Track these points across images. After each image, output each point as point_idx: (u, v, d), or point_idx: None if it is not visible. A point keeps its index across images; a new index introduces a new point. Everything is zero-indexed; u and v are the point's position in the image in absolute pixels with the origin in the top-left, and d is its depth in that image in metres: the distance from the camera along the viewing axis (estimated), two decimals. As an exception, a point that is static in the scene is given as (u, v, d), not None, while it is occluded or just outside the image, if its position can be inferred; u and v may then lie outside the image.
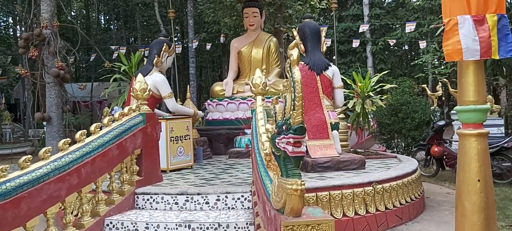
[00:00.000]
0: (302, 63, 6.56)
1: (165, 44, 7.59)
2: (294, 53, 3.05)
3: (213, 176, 6.07)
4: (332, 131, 6.45)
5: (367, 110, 7.71)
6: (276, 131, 3.14)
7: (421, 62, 19.14)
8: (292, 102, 2.97)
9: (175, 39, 28.45)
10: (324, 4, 12.28)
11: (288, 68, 3.13)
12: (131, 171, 5.25)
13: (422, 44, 17.69)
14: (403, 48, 29.07)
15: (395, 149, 11.25)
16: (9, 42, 26.68)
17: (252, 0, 9.87)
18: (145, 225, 4.44)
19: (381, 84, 7.92)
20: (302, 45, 6.71)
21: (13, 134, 18.64)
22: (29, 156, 4.10)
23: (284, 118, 3.10)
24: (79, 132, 4.64)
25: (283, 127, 3.00)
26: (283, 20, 11.24)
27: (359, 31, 19.33)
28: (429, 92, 16.48)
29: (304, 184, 2.97)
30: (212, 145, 8.83)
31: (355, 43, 18.63)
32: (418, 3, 20.42)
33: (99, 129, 4.83)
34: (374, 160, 7.44)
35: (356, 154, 7.45)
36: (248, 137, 8.22)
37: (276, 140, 3.07)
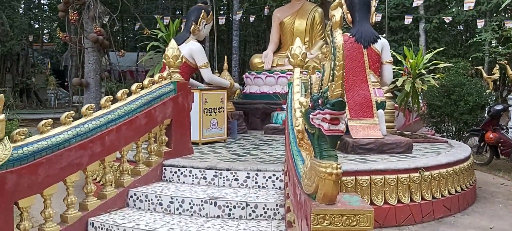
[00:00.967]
0: (348, 35, 6.03)
1: (203, 11, 7.25)
2: (336, 14, 2.60)
3: (246, 152, 5.74)
4: (377, 110, 5.93)
5: (417, 90, 7.08)
6: (310, 105, 2.72)
7: (479, 40, 17.85)
8: (331, 72, 2.53)
9: (221, 11, 28.24)
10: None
11: (329, 32, 2.68)
12: (160, 142, 5.00)
13: (480, 24, 16.42)
14: (458, 27, 27.42)
15: (445, 134, 10.53)
16: (55, 7, 27.19)
17: (298, -33, 9.32)
18: (170, 199, 4.18)
19: (434, 62, 7.24)
20: (349, 15, 6.15)
21: (58, 99, 19.12)
22: (49, 120, 3.91)
23: (321, 90, 2.67)
24: (104, 98, 4.41)
25: (319, 101, 2.58)
26: (331, -9, 10.60)
27: (413, 6, 18.18)
28: (485, 74, 15.33)
29: (340, 168, 2.55)
30: (248, 119, 8.50)
31: (408, 20, 17.55)
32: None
33: (126, 96, 4.58)
34: (422, 144, 6.86)
35: (402, 136, 6.88)
36: (285, 112, 7.81)
37: (310, 116, 2.66)
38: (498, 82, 18.91)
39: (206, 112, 6.31)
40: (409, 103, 7.82)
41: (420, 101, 8.10)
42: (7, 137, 3.53)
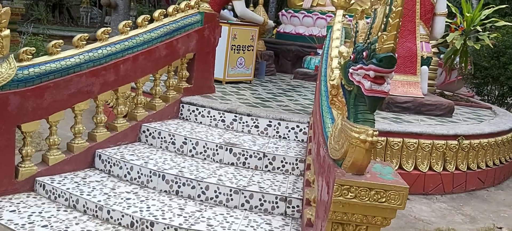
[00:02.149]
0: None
1: None
2: None
3: (271, 97, 5.35)
4: (421, 66, 5.38)
5: (468, 48, 6.43)
6: (352, 56, 2.28)
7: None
8: (384, 19, 2.07)
9: None
10: None
11: None
12: (180, 77, 4.67)
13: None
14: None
15: (487, 97, 9.84)
16: None
17: None
18: (183, 140, 3.90)
19: (492, 20, 6.50)
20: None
21: (91, 18, 18.95)
22: (60, 41, 3.61)
23: (368, 40, 2.22)
24: (123, 22, 4.06)
25: (364, 53, 2.14)
26: None
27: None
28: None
29: (376, 135, 2.16)
30: (279, 60, 8.02)
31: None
32: None
33: (147, 23, 4.22)
34: (464, 107, 6.31)
35: (443, 97, 6.34)
36: (319, 58, 7.31)
37: (350, 70, 2.23)
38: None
39: (234, 49, 5.90)
40: (455, 62, 7.20)
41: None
42: (12, 55, 3.27)
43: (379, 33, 2.11)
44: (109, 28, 3.92)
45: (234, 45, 5.89)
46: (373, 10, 2.69)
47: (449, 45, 9.71)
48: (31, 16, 12.64)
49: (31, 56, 3.34)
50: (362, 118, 2.24)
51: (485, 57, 9.29)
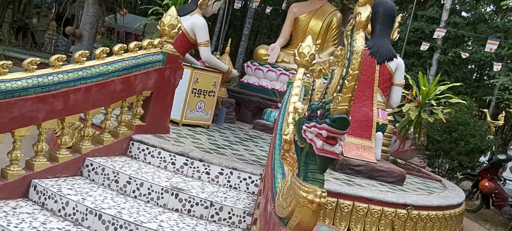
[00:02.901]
0: (365, 47, 5.55)
1: (217, -14, 6.73)
2: (363, 12, 2.14)
3: (227, 144, 5.26)
4: (376, 132, 5.46)
5: (422, 120, 6.63)
6: (307, 113, 2.26)
7: (495, 84, 17.40)
8: (341, 81, 2.07)
9: (239, -5, 27.68)
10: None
11: (348, 33, 2.22)
12: (134, 113, 4.53)
13: (497, 66, 15.97)
14: (469, 66, 26.94)
15: (437, 169, 10.13)
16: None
17: (324, -35, 8.81)
18: (128, 179, 3.72)
19: (446, 96, 6.78)
20: (369, 26, 5.65)
21: (56, 46, 18.55)
22: (9, 62, 3.43)
23: (323, 100, 2.20)
24: (79, 52, 3.94)
25: (318, 111, 2.12)
26: (356, -1, 10.08)
27: (434, 37, 17.71)
28: (489, 118, 14.94)
29: (324, 196, 2.11)
30: (240, 110, 8.01)
31: (424, 46, 17.08)
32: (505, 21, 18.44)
33: (105, 55, 4.11)
34: (416, 177, 6.41)
35: (395, 164, 6.44)
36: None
37: (304, 127, 2.20)
38: (499, 129, 18.50)
39: (195, 93, 5.83)
40: (409, 132, 7.39)
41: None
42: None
43: (335, 94, 2.11)
44: (63, 56, 3.78)
45: (195, 89, 5.82)
46: (330, 70, 2.71)
47: (404, 115, 10.06)
48: (-7, 36, 12.25)
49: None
50: (312, 177, 2.19)
51: (438, 130, 9.65)
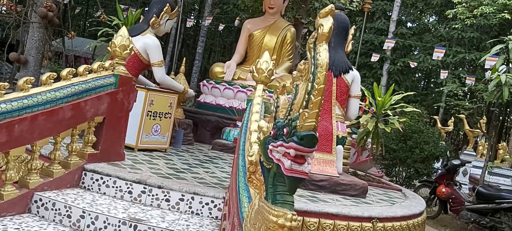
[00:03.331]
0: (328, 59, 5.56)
1: (168, 4, 6.58)
2: (325, 23, 2.07)
3: (186, 168, 5.07)
4: (336, 145, 5.45)
5: (379, 131, 6.71)
6: (272, 132, 2.15)
7: (444, 90, 18.12)
8: (306, 96, 1.98)
9: (191, 14, 27.52)
10: (354, 6, 11.19)
11: (311, 46, 2.14)
12: (86, 141, 4.26)
13: (443, 74, 16.66)
14: (417, 74, 28.03)
15: (395, 178, 10.32)
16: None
17: (276, -20, 8.84)
18: (81, 213, 3.46)
19: (402, 105, 6.91)
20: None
21: (0, 73, 17.61)
22: None
23: (289, 117, 2.11)
24: (24, 78, 3.67)
25: (284, 130, 2.03)
26: (307, 13, 10.17)
27: (384, 48, 18.29)
28: (439, 125, 15.50)
29: (295, 219, 2.01)
30: (198, 130, 7.82)
31: (375, 58, 17.57)
32: (451, 29, 19.27)
33: (52, 80, 3.86)
34: (376, 188, 6.45)
35: (356, 176, 6.46)
36: (239, 130, 7.23)
37: (270, 146, 2.10)
38: (449, 134, 19.26)
39: (150, 115, 5.61)
40: (366, 143, 7.46)
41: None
42: None
43: (301, 110, 2.03)
44: (6, 84, 3.51)
45: (150, 111, 5.61)
46: (294, 86, 2.63)
47: (359, 126, 10.22)
48: None
49: None
50: (281, 199, 2.10)
51: (393, 140, 9.84)
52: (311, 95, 2.00)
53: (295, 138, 1.97)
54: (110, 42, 4.80)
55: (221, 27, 19.29)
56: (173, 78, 6.96)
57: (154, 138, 5.69)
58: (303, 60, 2.48)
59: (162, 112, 5.78)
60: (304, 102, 2.04)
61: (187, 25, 22.26)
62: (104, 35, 7.75)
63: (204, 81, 8.72)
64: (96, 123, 4.30)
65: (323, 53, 2.11)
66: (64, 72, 4.03)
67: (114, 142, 4.52)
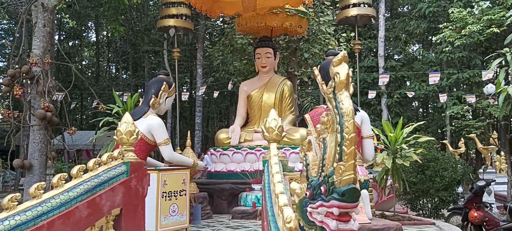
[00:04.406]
0: (324, 106, 5.47)
1: (165, 83, 6.59)
2: (341, 71, 2.00)
3: (212, 244, 4.84)
4: (360, 190, 5.24)
5: (398, 166, 6.53)
6: (308, 193, 2.01)
7: (447, 115, 18.07)
8: (337, 148, 1.87)
9: (183, 87, 27.90)
10: (344, 49, 11.35)
11: (330, 95, 2.05)
12: (105, 237, 4.06)
13: (443, 98, 16.65)
14: (415, 103, 28.11)
15: (421, 211, 9.99)
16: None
17: (265, 40, 8.95)
18: None
19: (415, 136, 6.78)
20: (324, 86, 5.58)
21: (5, 181, 17.52)
22: (-47, 217, 2.98)
23: (323, 173, 1.98)
24: (35, 185, 3.53)
25: (321, 188, 1.89)
26: (298, 65, 10.28)
27: (379, 84, 18.41)
28: (451, 148, 15.28)
29: None
30: (213, 201, 7.61)
31: (371, 94, 17.63)
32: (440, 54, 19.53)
33: (63, 181, 3.71)
34: (409, 226, 6.18)
35: (385, 218, 6.21)
36: (255, 193, 7.02)
37: (308, 208, 1.95)
38: (462, 155, 18.99)
39: (165, 196, 5.43)
40: (382, 181, 7.25)
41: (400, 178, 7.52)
42: None
43: (335, 164, 1.91)
44: (17, 194, 3.36)
45: (165, 192, 5.43)
46: (321, 140, 2.50)
47: (372, 165, 10.00)
48: None
49: None
50: (333, 267, 1.92)
51: (411, 172, 9.61)
52: (343, 147, 1.91)
53: (336, 194, 1.88)
54: (115, 131, 4.72)
55: (215, 94, 19.44)
56: (180, 154, 6.84)
57: (173, 219, 5.48)
58: (324, 112, 2.37)
59: (177, 191, 5.61)
60: (337, 155, 1.94)
61: (182, 99, 22.46)
62: (104, 125, 7.70)
63: (211, 150, 8.62)
64: (113, 216, 4.12)
65: (346, 101, 2.05)
66: (74, 170, 3.90)
67: (135, 232, 4.31)
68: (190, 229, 5.79)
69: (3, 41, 26.66)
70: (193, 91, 24.59)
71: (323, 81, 5.70)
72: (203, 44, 20.49)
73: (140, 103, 6.98)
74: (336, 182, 1.89)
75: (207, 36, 23.92)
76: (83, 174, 3.94)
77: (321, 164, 2.18)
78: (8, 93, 8.23)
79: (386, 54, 23.10)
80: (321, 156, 2.23)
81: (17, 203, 3.31)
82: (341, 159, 1.90)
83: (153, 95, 6.46)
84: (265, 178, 4.35)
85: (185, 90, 26.12)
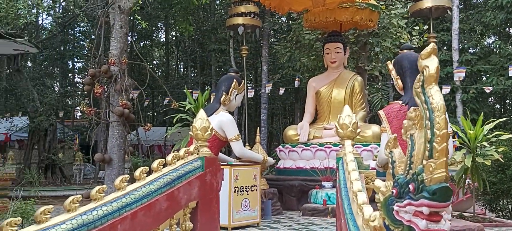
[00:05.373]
0: (400, 102, 5.28)
1: (235, 80, 6.71)
2: (431, 64, 1.91)
3: (285, 240, 4.85)
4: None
5: (478, 165, 6.17)
6: (394, 191, 1.95)
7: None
8: (427, 145, 1.79)
9: (249, 84, 28.28)
10: (416, 43, 10.89)
11: (419, 90, 1.97)
12: (183, 229, 4.20)
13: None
14: (490, 98, 26.38)
15: (501, 213, 9.40)
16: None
17: (335, 35, 8.82)
18: None
19: (497, 134, 6.36)
20: (399, 81, 5.40)
21: (85, 175, 18.69)
22: (50, 206, 3.21)
23: (411, 171, 1.91)
24: (119, 178, 3.72)
25: (410, 186, 1.83)
26: (368, 59, 10.02)
27: (454, 79, 17.49)
28: (533, 146, 14.18)
29: None
30: (283, 198, 7.63)
31: (446, 90, 16.77)
32: None
33: (145, 175, 3.88)
34: (491, 228, 5.82)
35: (465, 219, 5.89)
36: (326, 190, 6.95)
37: (395, 207, 1.89)
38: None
39: (237, 191, 5.54)
40: (461, 181, 6.88)
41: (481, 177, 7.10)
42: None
43: (425, 162, 1.84)
44: (104, 186, 3.56)
45: (237, 187, 5.54)
46: (408, 136, 2.41)
47: (450, 164, 9.50)
48: (22, 180, 12.32)
49: (16, 228, 2.91)
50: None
51: (490, 172, 9.06)
52: (434, 143, 1.83)
53: (426, 193, 1.80)
54: (191, 127, 4.87)
55: (281, 91, 19.46)
56: (250, 150, 6.93)
57: (245, 213, 5.56)
58: (412, 107, 2.28)
59: (248, 186, 5.69)
60: (427, 152, 1.86)
61: (248, 96, 22.73)
62: (178, 121, 7.99)
63: (280, 146, 8.64)
64: (190, 208, 4.25)
65: (436, 96, 1.95)
66: (155, 164, 4.07)
67: (210, 225, 4.43)
68: (262, 225, 5.85)
69: (82, 42, 28.46)
70: (257, 88, 24.81)
71: (398, 76, 5.54)
72: (268, 42, 20.59)
73: (211, 100, 7.16)
74: (426, 180, 1.82)
75: (272, 33, 24.00)
76: (163, 168, 4.11)
77: (408, 162, 2.11)
78: (90, 92, 8.78)
79: (461, 47, 21.89)
80: (408, 153, 2.16)
81: (104, 194, 3.52)
82: (432, 156, 1.82)
83: (224, 93, 6.60)
84: (340, 175, 4.28)
85: (250, 87, 26.45)
